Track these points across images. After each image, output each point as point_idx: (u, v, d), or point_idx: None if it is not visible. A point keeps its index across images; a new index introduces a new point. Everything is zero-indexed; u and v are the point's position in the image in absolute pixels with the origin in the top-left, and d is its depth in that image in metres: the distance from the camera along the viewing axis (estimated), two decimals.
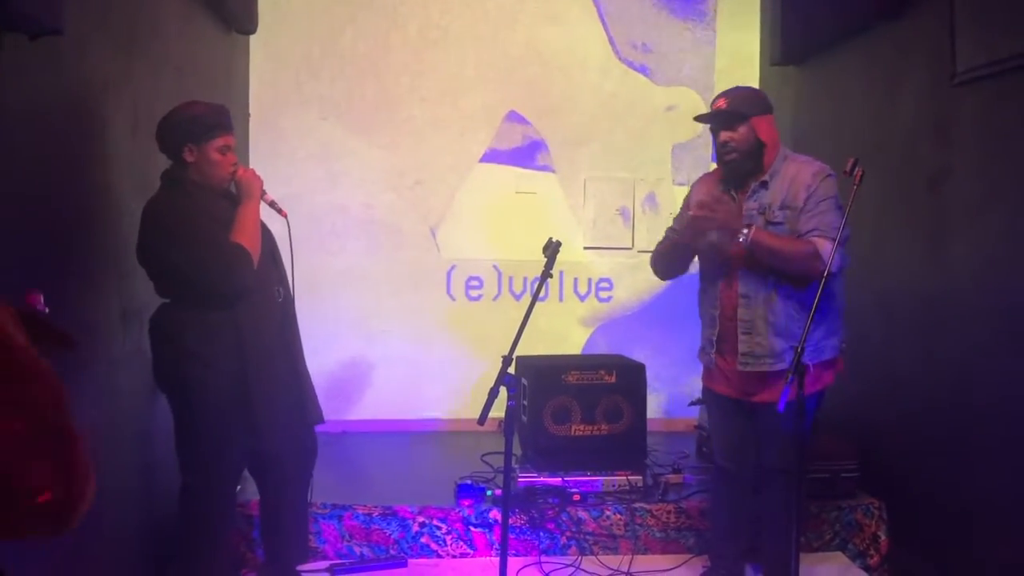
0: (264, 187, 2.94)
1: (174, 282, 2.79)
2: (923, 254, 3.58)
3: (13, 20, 1.98)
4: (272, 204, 2.99)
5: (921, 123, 3.61)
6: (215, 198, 2.85)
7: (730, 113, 2.98)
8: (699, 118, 3.14)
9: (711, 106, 3.09)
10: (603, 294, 5.24)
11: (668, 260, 3.22)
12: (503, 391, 2.67)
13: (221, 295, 2.74)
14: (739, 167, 3.00)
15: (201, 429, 2.78)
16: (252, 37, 4.85)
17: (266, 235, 2.96)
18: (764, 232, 2.89)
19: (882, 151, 3.82)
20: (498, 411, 2.67)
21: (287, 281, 3.03)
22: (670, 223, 3.31)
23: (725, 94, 3.08)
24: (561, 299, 5.20)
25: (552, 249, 2.83)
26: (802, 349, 2.51)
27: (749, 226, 2.88)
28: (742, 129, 2.96)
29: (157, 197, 2.80)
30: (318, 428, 3.12)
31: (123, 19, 2.95)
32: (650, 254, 3.34)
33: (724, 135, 2.98)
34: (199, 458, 2.81)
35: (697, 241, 3.03)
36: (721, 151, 3.02)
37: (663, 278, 3.35)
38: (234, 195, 2.90)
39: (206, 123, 2.80)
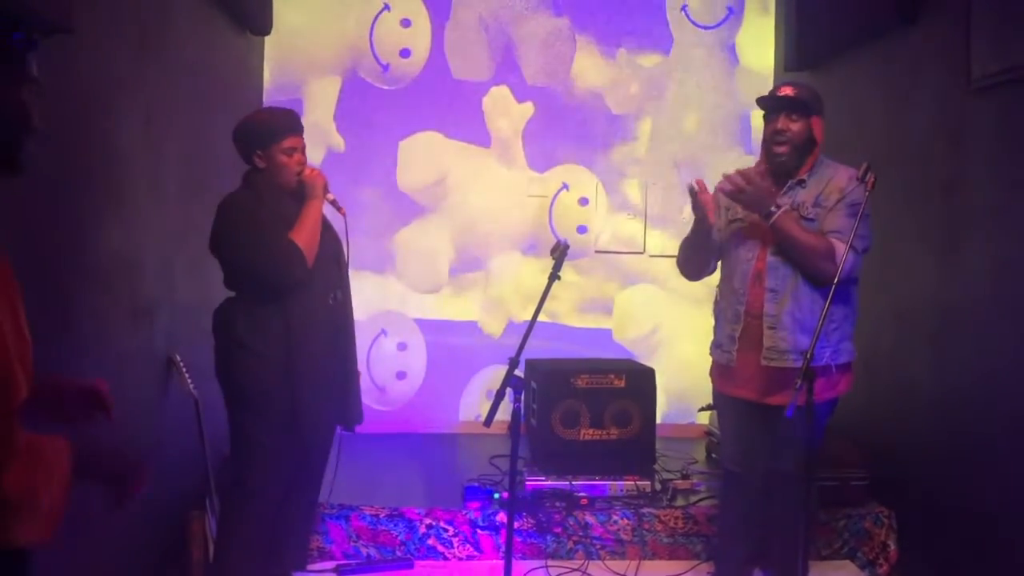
0: (328, 186, 2.99)
1: (234, 275, 2.92)
2: (937, 261, 3.55)
3: (22, 19, 1.98)
4: (333, 203, 3.05)
5: (936, 129, 3.58)
6: (282, 197, 2.92)
7: (796, 101, 2.92)
8: (763, 100, 3.01)
9: (775, 92, 3.01)
10: None
11: (693, 251, 3.13)
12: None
13: (272, 289, 2.82)
14: (787, 161, 2.94)
15: (250, 418, 2.85)
16: (267, 38, 4.86)
17: (332, 238, 3.03)
18: (790, 217, 2.85)
19: (896, 157, 3.79)
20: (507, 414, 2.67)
21: (348, 286, 3.08)
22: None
23: (791, 83, 3.03)
24: None
25: (560, 252, 2.81)
26: (811, 356, 2.49)
27: (779, 206, 2.85)
28: (801, 122, 2.91)
29: (232, 193, 2.92)
30: None
31: (134, 18, 2.96)
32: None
33: (783, 122, 2.91)
34: (252, 448, 2.86)
35: (713, 216, 2.97)
36: (773, 139, 2.94)
37: (692, 278, 3.27)
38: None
39: (268, 129, 2.90)
